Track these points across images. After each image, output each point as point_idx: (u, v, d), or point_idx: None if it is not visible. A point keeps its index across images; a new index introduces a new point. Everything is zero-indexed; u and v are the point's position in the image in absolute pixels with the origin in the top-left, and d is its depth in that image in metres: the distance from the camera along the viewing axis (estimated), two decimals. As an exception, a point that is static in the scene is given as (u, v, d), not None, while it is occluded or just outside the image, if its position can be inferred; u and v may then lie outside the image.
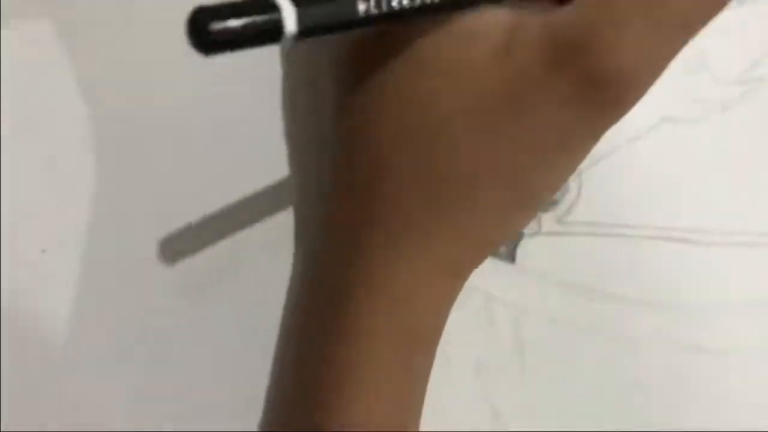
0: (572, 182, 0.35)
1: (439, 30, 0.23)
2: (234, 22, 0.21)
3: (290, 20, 0.21)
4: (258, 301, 0.35)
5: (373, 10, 0.21)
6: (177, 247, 0.35)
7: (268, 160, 0.34)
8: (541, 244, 0.35)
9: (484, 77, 0.23)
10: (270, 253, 0.35)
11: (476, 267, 0.26)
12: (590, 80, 0.22)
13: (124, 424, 0.33)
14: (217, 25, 0.20)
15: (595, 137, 0.24)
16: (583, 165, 0.35)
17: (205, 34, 0.20)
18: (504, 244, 0.35)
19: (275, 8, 0.21)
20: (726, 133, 0.35)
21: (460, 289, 0.26)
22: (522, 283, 0.35)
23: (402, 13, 0.22)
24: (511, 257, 0.35)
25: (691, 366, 0.34)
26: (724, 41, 0.36)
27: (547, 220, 0.35)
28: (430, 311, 0.26)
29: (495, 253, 0.35)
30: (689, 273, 0.35)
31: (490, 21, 0.23)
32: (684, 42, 0.23)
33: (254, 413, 0.34)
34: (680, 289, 0.34)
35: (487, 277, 0.35)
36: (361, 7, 0.21)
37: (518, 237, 0.35)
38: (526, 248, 0.35)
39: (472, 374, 0.35)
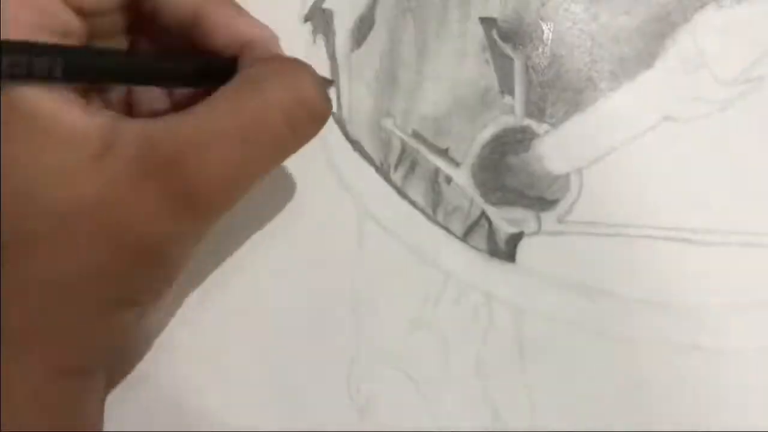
0: (572, 182, 0.35)
1: (38, 131, 0.23)
2: None
3: None
4: (250, 301, 0.35)
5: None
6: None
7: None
8: (541, 244, 0.35)
9: (80, 182, 0.23)
10: (264, 252, 0.35)
11: (97, 364, 0.26)
12: (177, 194, 0.23)
13: (124, 424, 0.33)
14: None
15: (186, 246, 0.25)
16: (584, 165, 0.35)
17: None
18: (503, 244, 0.35)
19: None
20: (726, 133, 0.35)
21: (96, 386, 0.26)
22: (522, 283, 0.35)
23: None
24: (511, 257, 0.35)
25: (691, 366, 0.34)
26: (724, 41, 0.36)
27: (547, 219, 0.35)
28: (61, 412, 0.25)
29: (495, 253, 0.35)
30: (689, 273, 0.35)
31: (89, 126, 0.24)
32: (273, 159, 0.25)
33: (253, 413, 0.34)
34: (680, 289, 0.34)
35: (487, 276, 0.35)
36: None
37: (519, 237, 0.35)
38: (526, 248, 0.35)
39: (472, 374, 0.35)
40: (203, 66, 0.27)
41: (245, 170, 0.25)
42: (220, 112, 0.24)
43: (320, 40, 0.37)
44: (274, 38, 0.29)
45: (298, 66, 0.27)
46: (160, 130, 0.24)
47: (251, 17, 0.28)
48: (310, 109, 0.26)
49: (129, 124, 0.24)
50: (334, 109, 0.36)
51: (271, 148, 0.25)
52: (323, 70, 0.36)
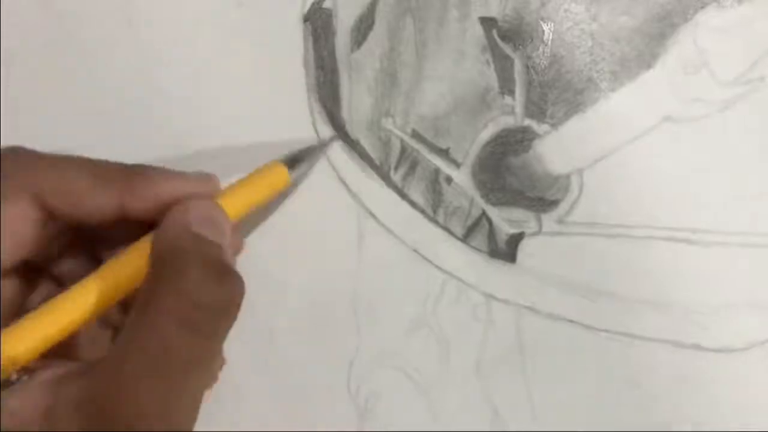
0: (573, 182, 0.35)
1: None
2: None
3: None
4: (251, 301, 0.35)
5: None
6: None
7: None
8: (541, 244, 0.35)
9: None
10: (264, 252, 0.35)
11: None
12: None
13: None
14: None
15: None
16: (584, 165, 0.35)
17: None
18: (503, 244, 0.35)
19: None
20: (726, 133, 0.35)
21: None
22: (522, 283, 0.35)
23: None
24: (511, 257, 0.35)
25: (691, 366, 0.34)
26: (725, 41, 0.36)
27: (547, 220, 0.35)
28: None
29: (496, 253, 0.35)
30: (689, 273, 0.35)
31: (28, 401, 0.25)
32: (192, 374, 0.25)
33: (253, 413, 0.34)
34: (680, 289, 0.34)
35: (488, 277, 0.35)
36: None
37: (519, 237, 0.35)
38: (526, 248, 0.35)
39: (472, 374, 0.35)
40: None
41: (173, 392, 0.25)
42: (125, 357, 0.25)
43: (320, 40, 0.37)
44: (201, 191, 0.29)
45: (189, 265, 0.26)
46: (92, 382, 0.25)
47: (172, 177, 0.29)
48: (205, 311, 0.26)
49: (65, 393, 0.25)
50: (334, 109, 0.36)
51: (185, 363, 0.25)
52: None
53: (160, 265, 0.26)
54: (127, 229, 0.29)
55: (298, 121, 0.36)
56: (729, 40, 0.36)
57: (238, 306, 0.27)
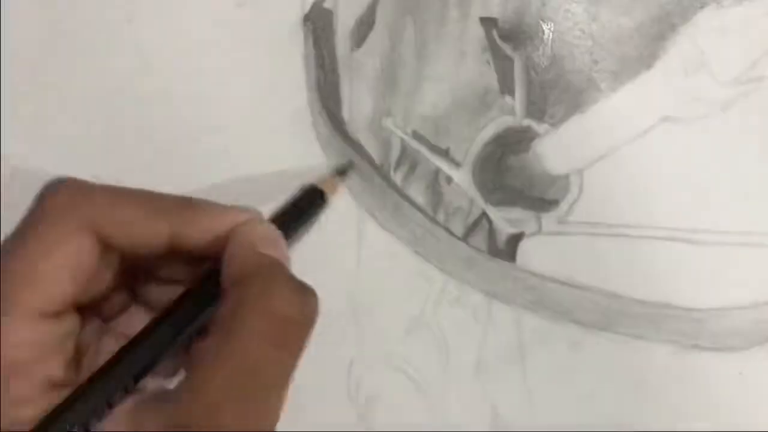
0: (573, 182, 0.35)
1: None
2: None
3: None
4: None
5: None
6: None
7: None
8: (541, 244, 0.35)
9: None
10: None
11: None
12: None
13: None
14: None
15: None
16: (584, 165, 0.35)
17: None
18: (503, 244, 0.35)
19: None
20: (726, 133, 0.35)
21: None
22: (522, 283, 0.35)
23: None
24: (511, 257, 0.35)
25: (691, 366, 0.34)
26: (724, 41, 0.36)
27: (547, 220, 0.35)
28: None
29: (495, 253, 0.35)
30: (689, 273, 0.35)
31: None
32: (278, 387, 0.26)
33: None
34: (680, 289, 0.34)
35: (487, 276, 0.35)
36: None
37: (519, 237, 0.35)
38: (526, 248, 0.35)
39: (472, 374, 0.35)
40: (190, 311, 0.28)
41: (258, 411, 0.26)
42: (205, 372, 0.25)
43: (321, 40, 0.37)
44: (254, 218, 0.29)
45: (271, 282, 0.27)
46: (179, 410, 0.25)
47: (224, 210, 0.29)
48: (288, 325, 0.26)
49: (149, 421, 0.25)
50: (335, 109, 0.36)
51: (270, 379, 0.26)
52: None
53: (239, 287, 0.26)
54: (170, 264, 0.29)
55: (298, 121, 0.36)
56: (729, 40, 0.36)
57: (305, 341, 0.27)
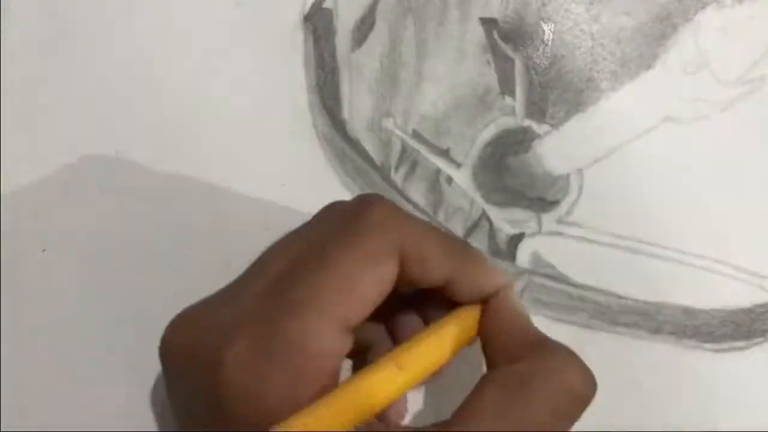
0: (573, 182, 0.35)
1: None
2: None
3: None
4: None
5: None
6: (178, 245, 0.35)
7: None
8: (541, 244, 0.35)
9: None
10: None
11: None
12: None
13: (125, 424, 0.33)
14: None
15: None
16: (584, 165, 0.35)
17: None
18: (504, 245, 0.35)
19: None
20: (726, 133, 0.35)
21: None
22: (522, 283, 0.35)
23: None
24: (511, 257, 0.35)
25: (691, 366, 0.34)
26: (724, 41, 0.36)
27: (547, 220, 0.35)
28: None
29: (496, 253, 0.35)
30: (689, 273, 0.35)
31: None
32: None
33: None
34: (679, 289, 0.34)
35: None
36: None
37: (520, 237, 0.35)
38: (526, 248, 0.35)
39: (471, 374, 0.35)
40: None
41: None
42: (487, 420, 0.25)
43: (321, 40, 0.37)
44: (510, 285, 0.29)
45: (566, 358, 0.27)
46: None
47: (493, 270, 0.29)
48: (577, 401, 0.26)
49: None
50: (335, 109, 0.36)
51: None
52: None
53: (530, 350, 0.27)
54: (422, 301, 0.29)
55: (298, 121, 0.36)
56: (729, 40, 0.36)
57: (578, 418, 0.27)
